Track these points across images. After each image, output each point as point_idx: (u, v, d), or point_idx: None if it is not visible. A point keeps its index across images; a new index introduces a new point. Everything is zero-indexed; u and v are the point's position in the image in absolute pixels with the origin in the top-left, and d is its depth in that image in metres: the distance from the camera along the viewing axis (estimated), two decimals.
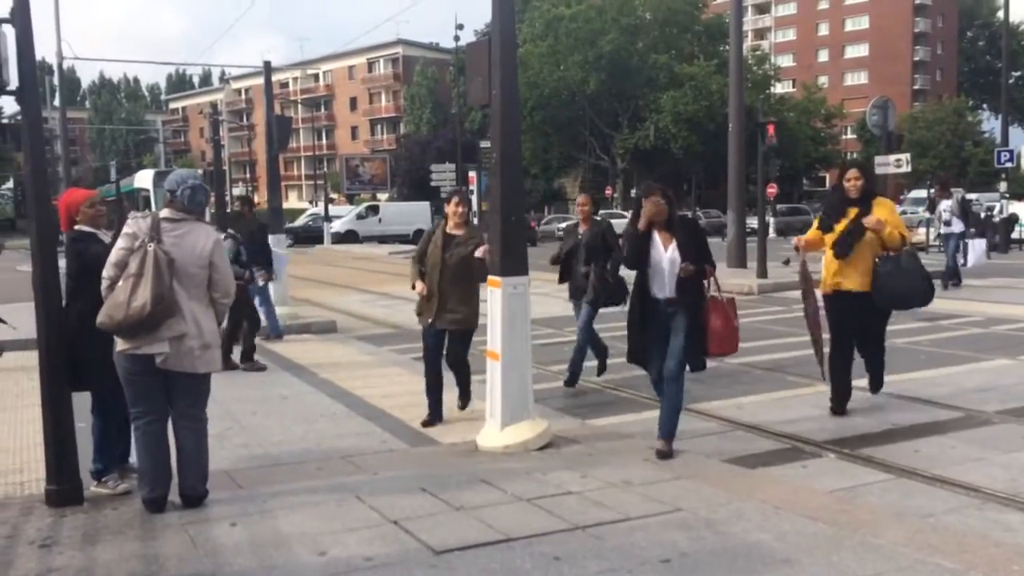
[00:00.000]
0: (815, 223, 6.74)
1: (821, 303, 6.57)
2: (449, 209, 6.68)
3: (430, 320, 6.53)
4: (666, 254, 5.49)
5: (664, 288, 5.49)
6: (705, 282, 5.60)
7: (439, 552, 4.02)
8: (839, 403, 6.68)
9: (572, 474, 5.17)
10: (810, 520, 4.32)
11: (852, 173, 6.43)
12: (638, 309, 5.63)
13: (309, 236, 42.55)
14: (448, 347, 6.62)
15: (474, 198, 47.61)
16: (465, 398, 6.90)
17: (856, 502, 4.74)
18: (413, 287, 6.70)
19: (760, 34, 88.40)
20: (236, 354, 9.55)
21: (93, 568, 3.96)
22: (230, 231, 9.83)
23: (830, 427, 6.42)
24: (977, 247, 16.02)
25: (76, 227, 5.16)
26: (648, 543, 4.07)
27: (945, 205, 16.08)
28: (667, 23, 55.21)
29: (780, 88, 66.00)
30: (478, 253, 6.30)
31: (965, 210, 16.08)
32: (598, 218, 8.19)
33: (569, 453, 5.68)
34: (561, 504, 4.65)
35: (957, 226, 15.66)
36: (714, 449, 5.85)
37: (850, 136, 68.29)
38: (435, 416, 6.69)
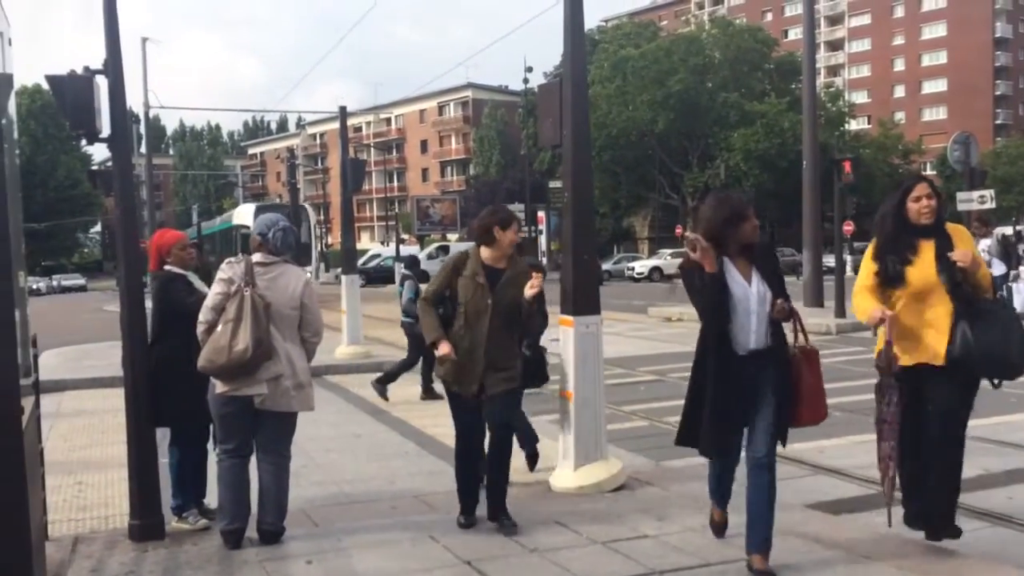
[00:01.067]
0: (866, 267, 4.53)
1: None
2: (504, 236, 4.86)
3: (475, 388, 4.82)
4: (751, 289, 4.10)
5: (750, 336, 4.08)
6: (792, 324, 4.21)
7: None
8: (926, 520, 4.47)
9: (648, 517, 5.07)
10: (899, 570, 4.14)
11: (922, 188, 4.37)
12: (719, 372, 4.08)
13: (380, 276, 43.29)
14: (496, 414, 4.91)
15: (543, 238, 48.16)
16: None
17: (948, 551, 4.52)
18: (433, 346, 4.88)
19: (833, 71, 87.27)
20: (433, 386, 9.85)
21: None
22: (407, 272, 10.24)
23: None
24: None
25: (166, 267, 5.32)
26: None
27: (984, 245, 14.24)
28: (737, 61, 55.05)
29: (855, 125, 64.92)
30: (528, 292, 4.77)
31: (1008, 250, 14.66)
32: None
33: (644, 495, 5.58)
34: (637, 548, 4.55)
35: (998, 268, 14.14)
36: (796, 494, 5.66)
37: (930, 172, 66.62)
38: (472, 513, 5.05)
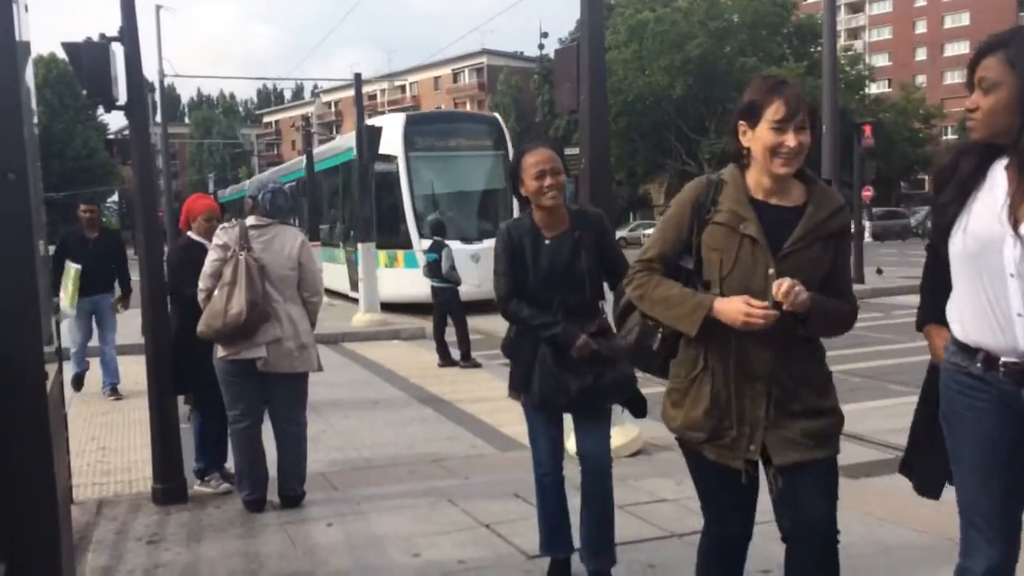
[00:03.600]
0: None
1: None
2: (755, 139, 2.51)
3: (753, 450, 2.55)
4: (1018, 234, 2.13)
5: (1000, 328, 2.18)
6: None
7: (532, 557, 4.00)
8: None
9: (666, 481, 5.09)
10: (917, 533, 4.15)
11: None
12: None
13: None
14: (814, 508, 2.73)
15: None
16: None
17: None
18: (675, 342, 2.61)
19: (854, 33, 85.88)
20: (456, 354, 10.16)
21: (198, 564, 4.10)
22: (437, 239, 10.30)
23: None
24: None
25: (188, 234, 5.39)
26: (747, 554, 3.96)
27: None
28: (756, 25, 54.27)
29: (875, 88, 64.06)
30: (780, 293, 2.37)
31: None
32: (575, 206, 3.72)
33: (661, 460, 5.60)
34: (655, 511, 4.58)
35: None
36: None
37: (951, 136, 65.73)
38: None
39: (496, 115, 17.62)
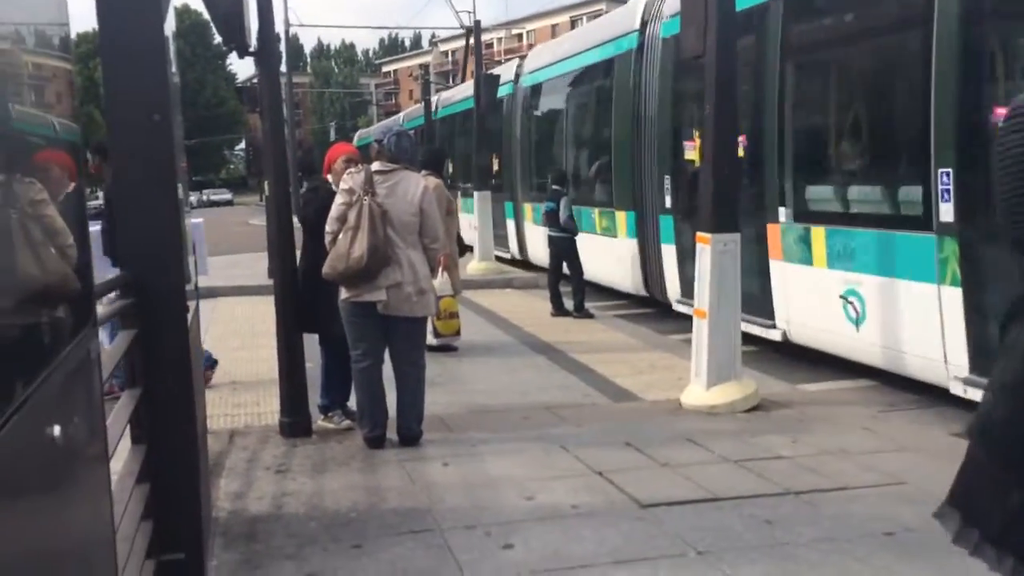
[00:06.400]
0: None
1: None
2: None
3: None
4: None
5: None
6: None
7: (645, 505, 4.01)
8: None
9: (782, 438, 4.99)
10: None
11: None
12: None
13: None
14: None
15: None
16: None
17: None
18: None
19: None
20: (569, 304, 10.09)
21: (322, 494, 4.29)
22: (556, 187, 10.27)
23: None
24: None
25: (328, 178, 5.59)
26: (868, 514, 3.86)
27: None
28: None
29: None
30: None
31: None
32: None
33: (778, 417, 5.49)
34: (771, 468, 4.50)
35: None
36: (940, 422, 5.44)
37: None
38: None
39: None
